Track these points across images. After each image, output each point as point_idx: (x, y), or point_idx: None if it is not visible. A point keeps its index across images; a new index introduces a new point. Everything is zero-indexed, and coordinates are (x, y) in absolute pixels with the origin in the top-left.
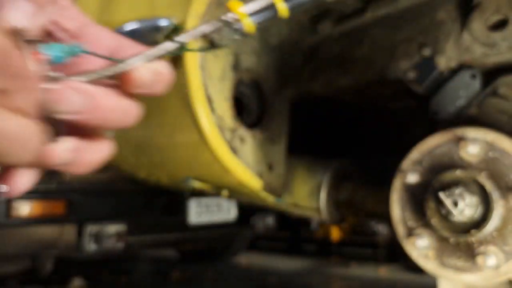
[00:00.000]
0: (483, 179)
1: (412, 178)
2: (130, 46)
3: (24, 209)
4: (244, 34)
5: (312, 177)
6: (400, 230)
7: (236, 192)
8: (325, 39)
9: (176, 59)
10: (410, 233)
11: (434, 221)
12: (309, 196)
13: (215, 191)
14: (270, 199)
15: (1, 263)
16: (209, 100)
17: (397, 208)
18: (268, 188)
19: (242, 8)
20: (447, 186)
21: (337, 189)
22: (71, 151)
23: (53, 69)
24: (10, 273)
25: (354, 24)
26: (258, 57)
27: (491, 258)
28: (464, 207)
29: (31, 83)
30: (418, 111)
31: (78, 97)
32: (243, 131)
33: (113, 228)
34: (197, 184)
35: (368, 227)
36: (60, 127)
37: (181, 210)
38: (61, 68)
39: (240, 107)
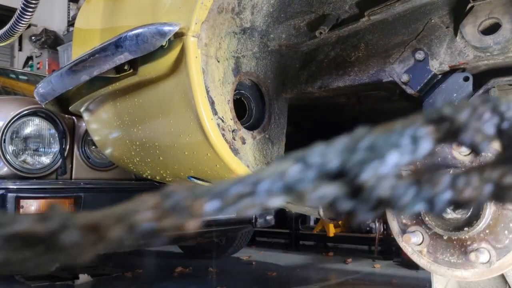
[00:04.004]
0: None
1: None
2: None
3: (32, 206)
4: None
5: None
6: (395, 227)
7: None
8: (322, 43)
9: (179, 63)
10: (404, 230)
11: (428, 218)
12: None
13: None
14: None
15: None
16: (211, 103)
17: None
18: None
19: None
20: None
21: None
22: None
23: None
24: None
25: (351, 29)
26: (258, 61)
27: (483, 255)
28: None
29: None
30: (412, 113)
31: None
32: (243, 132)
33: None
34: (199, 183)
35: (364, 224)
36: None
37: None
38: None
39: (240, 109)
